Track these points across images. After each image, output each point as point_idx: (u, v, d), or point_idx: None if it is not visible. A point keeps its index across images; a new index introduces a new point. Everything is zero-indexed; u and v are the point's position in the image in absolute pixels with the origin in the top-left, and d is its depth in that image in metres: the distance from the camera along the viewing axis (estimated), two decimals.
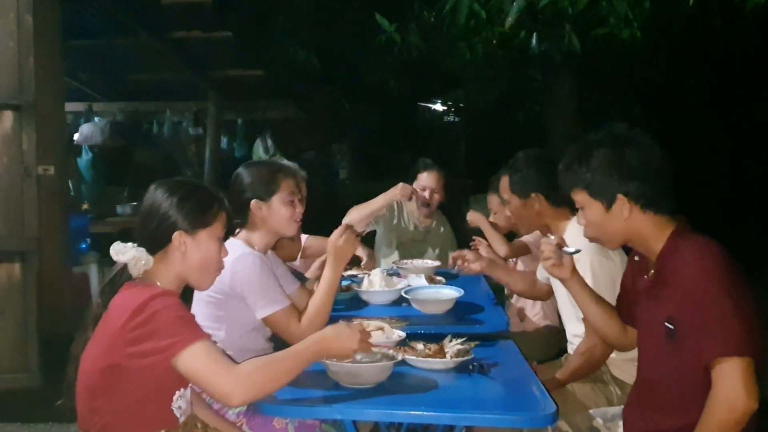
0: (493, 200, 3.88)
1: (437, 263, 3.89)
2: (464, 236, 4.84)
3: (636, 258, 2.21)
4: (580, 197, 2.15)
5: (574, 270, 2.35)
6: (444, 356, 2.37)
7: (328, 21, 8.32)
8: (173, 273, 2.02)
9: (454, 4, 5.31)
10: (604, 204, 2.09)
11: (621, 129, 2.10)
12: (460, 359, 2.34)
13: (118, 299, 1.90)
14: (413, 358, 2.31)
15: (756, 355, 1.86)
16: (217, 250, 2.07)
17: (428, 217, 4.46)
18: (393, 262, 4.06)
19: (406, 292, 3.20)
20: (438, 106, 14.62)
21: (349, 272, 3.66)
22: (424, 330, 2.80)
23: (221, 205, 2.09)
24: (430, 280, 3.50)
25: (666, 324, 2.01)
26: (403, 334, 2.53)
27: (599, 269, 2.61)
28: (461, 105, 10.51)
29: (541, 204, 2.95)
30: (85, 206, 8.28)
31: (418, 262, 3.89)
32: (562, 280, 2.39)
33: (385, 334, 2.50)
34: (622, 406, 2.54)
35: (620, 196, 2.06)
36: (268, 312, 2.60)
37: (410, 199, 4.19)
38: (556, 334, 3.67)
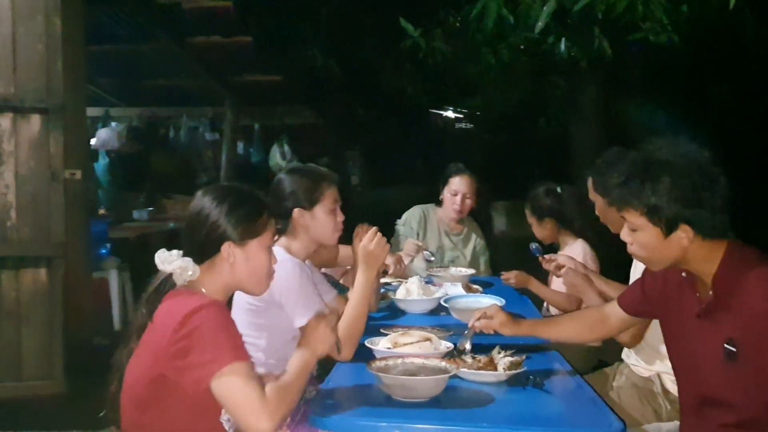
0: (527, 212, 3.78)
1: (471, 271, 3.82)
2: (491, 243, 4.76)
3: (683, 274, 2.10)
4: (634, 219, 1.98)
5: (509, 324, 2.50)
6: (495, 368, 2.30)
7: (348, 27, 8.28)
8: (221, 283, 1.95)
9: (481, 9, 5.26)
10: (664, 230, 1.94)
11: (693, 151, 1.93)
12: (513, 372, 2.27)
13: (164, 309, 1.83)
14: (466, 370, 2.24)
15: None
16: (267, 259, 2.01)
17: (459, 223, 4.38)
18: (426, 270, 3.98)
19: (445, 301, 3.13)
20: (455, 113, 14.56)
21: (383, 280, 3.58)
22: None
23: (270, 213, 2.03)
24: (468, 289, 3.43)
25: (726, 346, 1.94)
26: (450, 345, 2.46)
27: None
28: (479, 112, 10.42)
29: None
30: (102, 211, 8.26)
31: (452, 270, 3.82)
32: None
33: (433, 344, 2.43)
34: (676, 422, 2.48)
35: (683, 225, 1.92)
36: (306, 320, 2.53)
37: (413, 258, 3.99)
38: (595, 349, 3.60)
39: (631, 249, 2.10)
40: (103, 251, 6.47)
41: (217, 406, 1.83)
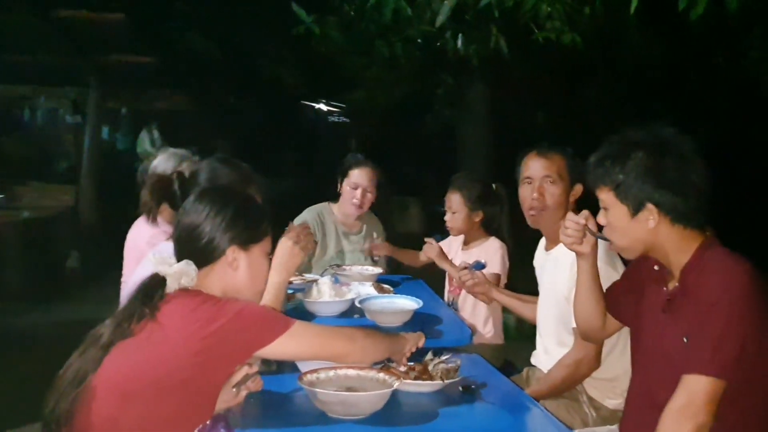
0: (453, 199, 3.64)
1: (379, 270, 3.64)
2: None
3: (656, 267, 2.07)
4: (605, 197, 1.99)
5: (594, 247, 2.19)
6: (430, 376, 2.15)
7: (230, 10, 7.89)
8: (218, 290, 1.85)
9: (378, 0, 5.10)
10: (631, 209, 1.94)
11: (667, 134, 1.96)
12: (450, 381, 2.13)
13: (178, 308, 1.74)
14: (408, 381, 2.06)
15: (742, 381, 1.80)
16: (268, 266, 1.98)
17: (358, 219, 4.15)
18: (330, 266, 3.75)
19: (359, 302, 2.94)
20: (332, 107, 14.36)
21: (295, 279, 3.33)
22: None
23: (270, 220, 1.98)
24: (379, 289, 3.25)
25: (684, 339, 1.90)
26: None
27: (604, 278, 2.43)
28: (363, 106, 10.27)
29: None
30: None
31: (358, 269, 3.63)
32: (578, 254, 2.21)
33: None
34: (609, 427, 2.43)
35: (649, 205, 1.92)
36: None
37: None
38: (501, 350, 3.57)
39: (605, 233, 2.07)
40: None
41: (196, 423, 1.73)
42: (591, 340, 2.42)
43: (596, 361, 2.53)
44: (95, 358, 1.72)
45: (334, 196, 4.11)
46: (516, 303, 3.15)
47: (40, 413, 1.73)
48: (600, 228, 2.10)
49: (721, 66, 7.00)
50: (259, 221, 1.93)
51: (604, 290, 2.31)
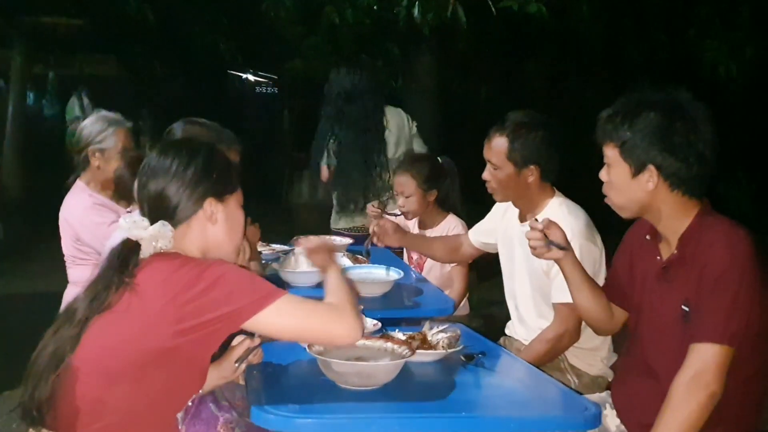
0: (404, 182, 3.43)
1: (348, 240, 3.55)
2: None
3: (647, 237, 2.08)
4: (610, 153, 1.98)
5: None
6: (430, 345, 2.12)
7: None
8: (196, 249, 1.75)
9: None
10: (632, 169, 1.94)
11: (682, 99, 1.95)
12: (453, 350, 2.10)
13: (155, 273, 1.63)
14: (424, 351, 2.03)
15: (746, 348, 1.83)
16: (243, 218, 1.86)
17: None
18: (296, 237, 3.65)
19: None
20: (262, 77, 14.02)
21: (264, 249, 3.23)
22: (368, 315, 2.51)
23: (237, 169, 1.90)
24: (354, 260, 3.18)
25: (682, 307, 1.92)
26: (376, 322, 2.26)
27: (586, 255, 2.44)
28: (299, 77, 10.01)
29: (534, 178, 2.62)
30: None
31: (326, 239, 3.53)
32: (556, 261, 2.19)
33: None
34: (603, 393, 2.45)
35: (651, 167, 1.91)
36: None
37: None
38: (467, 320, 3.53)
39: (604, 189, 2.06)
40: None
41: (186, 397, 1.70)
42: (605, 333, 2.42)
43: (576, 335, 2.56)
44: (72, 337, 1.61)
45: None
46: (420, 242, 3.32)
47: None
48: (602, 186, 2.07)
49: (664, 44, 7.17)
50: (229, 170, 1.84)
51: (602, 277, 2.35)
